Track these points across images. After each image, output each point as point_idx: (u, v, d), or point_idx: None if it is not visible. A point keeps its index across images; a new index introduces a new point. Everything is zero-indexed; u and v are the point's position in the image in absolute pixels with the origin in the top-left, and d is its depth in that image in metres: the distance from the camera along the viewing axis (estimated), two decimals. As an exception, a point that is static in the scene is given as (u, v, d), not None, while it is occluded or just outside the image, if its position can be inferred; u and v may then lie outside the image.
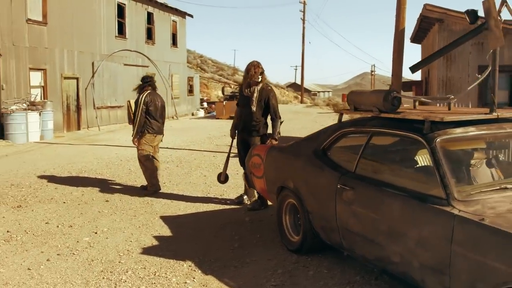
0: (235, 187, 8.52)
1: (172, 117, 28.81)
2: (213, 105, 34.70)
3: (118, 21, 23.68)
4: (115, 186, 8.85)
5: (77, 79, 20.43)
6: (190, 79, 34.08)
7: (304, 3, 55.29)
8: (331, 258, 5.00)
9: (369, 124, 4.54)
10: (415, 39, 19.08)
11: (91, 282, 4.59)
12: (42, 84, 18.17)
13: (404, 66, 11.66)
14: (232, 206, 7.41)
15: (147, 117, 8.08)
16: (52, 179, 9.47)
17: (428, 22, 13.47)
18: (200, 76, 64.76)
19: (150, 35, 27.19)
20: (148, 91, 8.18)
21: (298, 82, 71.86)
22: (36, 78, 17.90)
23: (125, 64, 24.13)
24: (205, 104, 38.21)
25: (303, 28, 54.75)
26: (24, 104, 16.49)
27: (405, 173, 4.07)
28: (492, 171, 3.95)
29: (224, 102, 32.62)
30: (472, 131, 3.81)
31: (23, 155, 13.12)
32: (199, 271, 4.84)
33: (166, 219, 6.78)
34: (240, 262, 5.10)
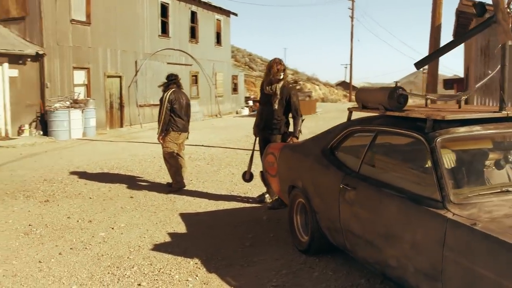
0: (260, 185, 8.44)
1: (216, 115, 29.05)
2: (257, 103, 34.78)
3: (161, 20, 24.06)
4: (142, 183, 8.96)
5: (120, 77, 20.88)
6: (234, 77, 34.23)
7: (353, 1, 54.61)
8: (339, 260, 4.87)
9: (375, 122, 4.39)
10: (456, 35, 18.44)
11: (96, 277, 4.64)
12: (86, 83, 18.68)
13: (444, 63, 11.33)
14: (254, 205, 7.35)
15: (172, 115, 8.14)
16: (83, 175, 9.70)
17: (466, 17, 12.95)
18: (247, 74, 65.14)
19: (193, 34, 27.48)
20: (173, 89, 8.25)
21: (348, 80, 71.02)
22: (79, 76, 18.42)
23: (168, 63, 24.46)
24: (250, 102, 38.30)
25: (352, 25, 54.34)
26: (67, 102, 16.98)
27: (405, 173, 3.89)
28: (500, 172, 3.73)
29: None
30: (477, 130, 3.60)
31: (62, 151, 13.50)
32: (204, 269, 4.81)
33: (184, 216, 6.79)
34: (247, 261, 5.04)
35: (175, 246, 5.53)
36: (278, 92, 7.01)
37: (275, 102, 7.00)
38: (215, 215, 6.87)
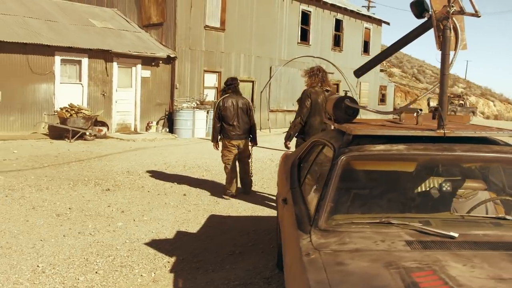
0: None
1: (357, 126, 28.47)
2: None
3: (301, 27, 24.35)
4: (208, 183, 9.22)
5: (252, 82, 21.62)
6: (382, 87, 33.26)
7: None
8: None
9: (328, 134, 4.07)
10: None
11: (69, 259, 4.99)
12: (216, 86, 19.70)
13: None
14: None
15: (223, 123, 8.06)
16: (164, 170, 10.30)
17: None
18: (413, 86, 62.57)
19: (337, 42, 27.31)
20: (226, 95, 8.11)
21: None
22: (210, 79, 19.51)
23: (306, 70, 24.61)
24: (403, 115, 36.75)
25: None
26: (194, 103, 18.10)
27: (315, 190, 3.54)
28: (424, 201, 3.22)
29: (415, 113, 31.19)
30: (397, 150, 3.16)
31: (170, 148, 14.43)
32: (167, 269, 4.89)
33: (211, 218, 6.90)
34: (218, 267, 5.00)
35: (167, 244, 5.67)
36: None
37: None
38: (240, 220, 6.86)
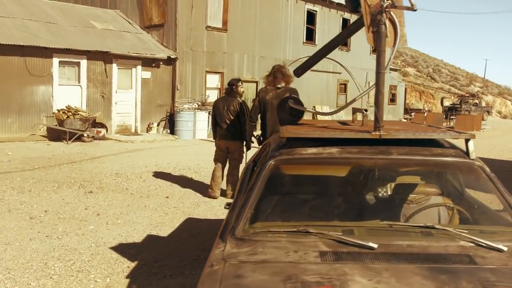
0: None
1: (366, 126, 28.21)
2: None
3: (307, 27, 24.16)
4: (195, 185, 9.12)
5: (256, 82, 21.47)
6: (392, 87, 32.84)
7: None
8: None
9: (274, 135, 3.94)
10: None
11: (29, 264, 4.92)
12: (219, 86, 19.62)
13: None
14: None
15: (215, 123, 8.31)
16: (153, 173, 10.22)
17: None
18: (426, 85, 61.86)
19: (345, 41, 27.04)
20: (221, 97, 8.51)
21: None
22: (213, 80, 19.42)
23: (312, 70, 24.34)
24: (414, 114, 36.41)
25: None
26: (195, 104, 18.04)
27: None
28: (345, 207, 3.06)
29: (425, 113, 30.94)
30: (330, 153, 3.01)
31: (166, 149, 14.37)
32: (124, 274, 4.81)
33: (188, 221, 6.81)
34: (177, 273, 4.90)
35: (133, 248, 5.58)
36: None
37: None
38: (216, 224, 6.66)
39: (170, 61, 17.64)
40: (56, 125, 14.20)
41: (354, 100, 3.35)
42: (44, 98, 14.70)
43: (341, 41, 3.63)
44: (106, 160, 11.59)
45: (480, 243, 2.45)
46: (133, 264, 5.04)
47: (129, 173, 10.05)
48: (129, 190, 8.49)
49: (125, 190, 8.48)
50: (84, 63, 15.43)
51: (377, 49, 3.05)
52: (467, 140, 2.99)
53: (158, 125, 17.62)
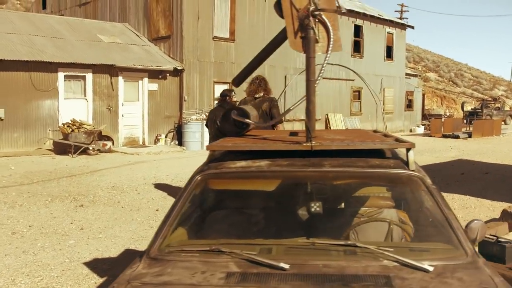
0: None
1: (382, 133, 27.83)
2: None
3: (317, 35, 23.95)
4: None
5: (266, 92, 21.35)
6: (409, 93, 32.35)
7: None
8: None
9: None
10: None
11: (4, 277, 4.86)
12: (228, 97, 19.53)
13: None
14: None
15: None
16: (150, 185, 10.16)
17: None
18: (448, 90, 60.96)
19: (357, 48, 26.78)
20: (213, 108, 8.44)
21: None
22: (221, 91, 19.34)
23: (323, 78, 24.11)
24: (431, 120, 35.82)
25: None
26: (203, 115, 17.97)
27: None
28: (269, 224, 2.90)
29: (443, 119, 30.45)
30: (259, 167, 2.83)
31: (170, 161, 14.32)
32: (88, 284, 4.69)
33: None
34: None
35: (106, 263, 5.49)
36: None
37: None
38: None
39: (177, 73, 17.65)
40: (61, 139, 14.29)
41: (289, 110, 3.19)
42: (50, 112, 14.82)
43: (274, 48, 3.45)
44: (106, 173, 11.57)
45: (405, 263, 2.25)
46: (101, 280, 4.93)
47: (126, 186, 10.00)
48: (120, 203, 8.42)
49: (116, 204, 8.41)
50: (89, 76, 15.53)
51: (306, 55, 2.89)
52: (407, 150, 2.80)
53: (166, 136, 17.62)
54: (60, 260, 5.51)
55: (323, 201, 2.86)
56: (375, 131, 3.72)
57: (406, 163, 2.76)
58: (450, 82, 65.79)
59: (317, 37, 2.85)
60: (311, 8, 2.80)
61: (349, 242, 2.46)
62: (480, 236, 2.50)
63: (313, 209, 2.80)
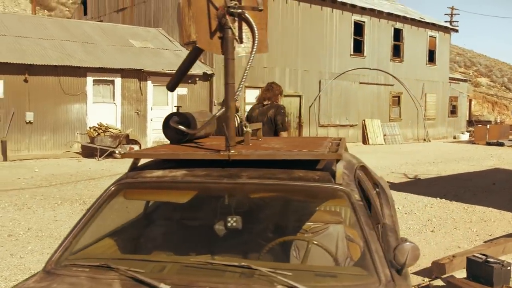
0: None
1: (424, 139, 27.02)
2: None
3: (354, 39, 23.50)
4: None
5: (299, 96, 21.09)
6: (453, 98, 31.24)
7: None
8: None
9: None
10: None
11: (-31, 285, 4.83)
12: (259, 101, 19.37)
13: None
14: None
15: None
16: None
17: None
18: (500, 96, 58.81)
19: (397, 52, 26.08)
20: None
21: None
22: (252, 95, 19.19)
23: (361, 83, 23.71)
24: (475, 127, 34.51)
25: None
26: (233, 119, 17.89)
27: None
28: (176, 239, 2.69)
29: (488, 125, 29.27)
30: (173, 177, 2.62)
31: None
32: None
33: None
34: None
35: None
36: None
37: None
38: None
39: (206, 77, 17.63)
40: (88, 143, 14.49)
41: (214, 116, 2.96)
42: (78, 116, 15.08)
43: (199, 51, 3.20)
44: (125, 177, 11.59)
45: None
46: None
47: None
48: (128, 208, 8.35)
49: (124, 208, 8.34)
50: (118, 81, 15.71)
51: (225, 57, 2.67)
52: (337, 161, 2.52)
53: (196, 141, 17.61)
54: (43, 265, 5.44)
55: (243, 215, 2.61)
56: (334, 140, 3.40)
57: (334, 176, 2.47)
58: (503, 87, 63.44)
59: (242, 38, 2.63)
60: (229, 5, 2.58)
61: (243, 264, 2.20)
62: (410, 260, 2.18)
63: (229, 224, 2.56)
